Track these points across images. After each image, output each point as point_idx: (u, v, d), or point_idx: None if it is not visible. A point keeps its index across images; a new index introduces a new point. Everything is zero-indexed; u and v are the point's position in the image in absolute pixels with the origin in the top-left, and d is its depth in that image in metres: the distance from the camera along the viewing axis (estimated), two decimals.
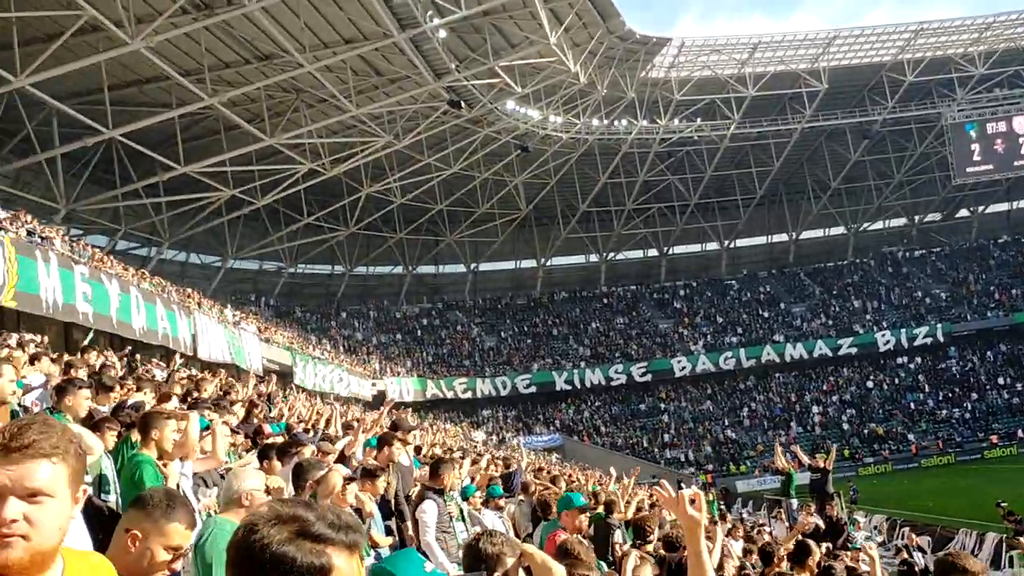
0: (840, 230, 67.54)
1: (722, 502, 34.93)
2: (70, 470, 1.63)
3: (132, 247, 46.03)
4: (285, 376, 33.48)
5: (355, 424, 9.41)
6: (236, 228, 50.08)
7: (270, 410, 10.51)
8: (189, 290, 30.98)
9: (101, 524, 3.50)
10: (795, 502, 16.84)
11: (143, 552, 2.43)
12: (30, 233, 20.71)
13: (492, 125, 48.78)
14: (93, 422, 5.29)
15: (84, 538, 3.64)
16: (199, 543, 3.65)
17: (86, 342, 12.23)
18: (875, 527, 25.34)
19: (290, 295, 56.04)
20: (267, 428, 7.78)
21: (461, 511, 8.01)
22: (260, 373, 25.43)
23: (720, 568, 8.43)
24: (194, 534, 2.78)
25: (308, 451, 5.60)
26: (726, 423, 55.26)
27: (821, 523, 15.12)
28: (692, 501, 2.70)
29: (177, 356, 11.62)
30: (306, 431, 9.35)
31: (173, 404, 7.27)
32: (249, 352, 31.01)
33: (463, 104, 43.18)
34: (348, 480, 5.23)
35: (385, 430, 8.93)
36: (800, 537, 9.04)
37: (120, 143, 35.91)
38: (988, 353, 57.83)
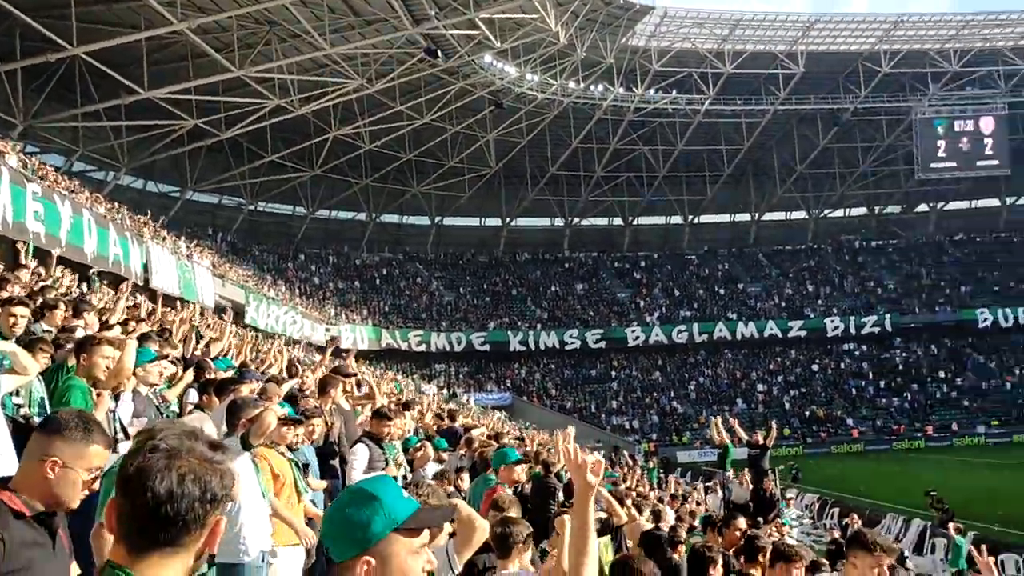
0: (802, 215, 68.27)
1: (662, 471, 35.62)
2: None
3: (89, 170, 44.89)
4: (237, 314, 33.14)
5: (296, 366, 9.36)
6: (197, 159, 49.11)
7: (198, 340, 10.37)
8: (143, 217, 30.35)
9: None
10: (730, 474, 17.19)
11: (64, 477, 2.37)
12: None
13: (467, 78, 48.24)
14: (27, 342, 5.17)
15: (11, 459, 3.58)
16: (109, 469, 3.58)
17: (26, 256, 11.95)
18: (806, 506, 26.05)
19: (248, 233, 55.22)
20: (211, 364, 7.69)
21: (401, 461, 8.04)
22: (211, 308, 25.17)
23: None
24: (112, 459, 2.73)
25: (246, 389, 5.54)
26: (673, 395, 56.08)
27: (748, 496, 15.50)
28: (589, 467, 2.62)
29: (126, 284, 11.40)
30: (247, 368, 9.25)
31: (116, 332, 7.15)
32: (201, 287, 30.59)
33: (440, 53, 42.59)
34: (286, 421, 5.20)
35: (328, 373, 8.88)
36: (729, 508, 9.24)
37: (84, 61, 34.81)
38: (932, 347, 59.22)
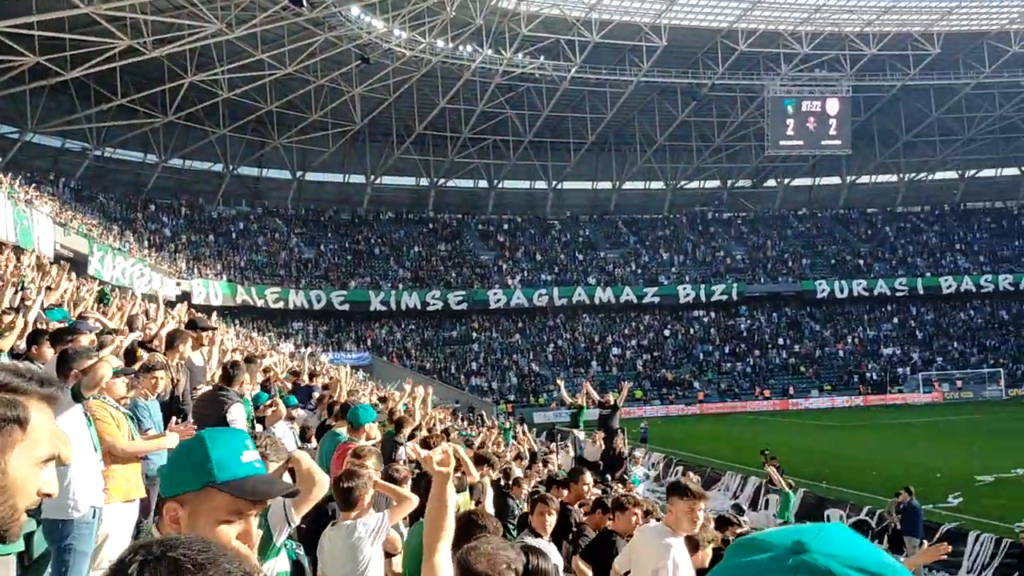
0: (660, 185, 70.46)
1: (516, 430, 36.32)
2: None
3: None
4: (80, 265, 31.38)
5: (139, 321, 9.03)
6: (39, 99, 45.79)
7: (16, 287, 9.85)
8: None
9: None
10: (582, 434, 17.82)
11: None
12: None
13: (334, 30, 46.96)
14: None
15: None
16: None
17: None
18: (652, 464, 27.32)
19: (94, 180, 52.05)
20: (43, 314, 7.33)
21: (250, 418, 7.92)
22: (50, 258, 23.75)
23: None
24: None
25: (85, 340, 5.33)
26: (531, 357, 57.21)
27: (599, 455, 16.14)
28: (439, 460, 2.82)
29: None
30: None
31: None
32: (39, 235, 28.77)
33: (304, 2, 41.23)
34: (121, 374, 5.05)
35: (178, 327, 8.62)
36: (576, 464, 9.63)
37: None
38: (774, 315, 62.78)
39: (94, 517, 4.48)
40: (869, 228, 69.70)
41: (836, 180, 72.35)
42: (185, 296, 38.96)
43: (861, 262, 65.32)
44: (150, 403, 6.28)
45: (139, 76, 46.37)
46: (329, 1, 42.62)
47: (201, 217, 57.58)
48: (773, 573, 0.84)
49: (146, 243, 47.93)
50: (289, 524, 3.47)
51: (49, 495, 1.48)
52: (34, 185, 37.19)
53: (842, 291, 62.14)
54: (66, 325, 6.58)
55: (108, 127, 50.62)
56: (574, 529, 6.98)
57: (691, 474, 20.17)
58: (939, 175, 72.02)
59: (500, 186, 67.62)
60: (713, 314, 62.25)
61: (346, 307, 55.37)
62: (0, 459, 1.40)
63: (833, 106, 63.05)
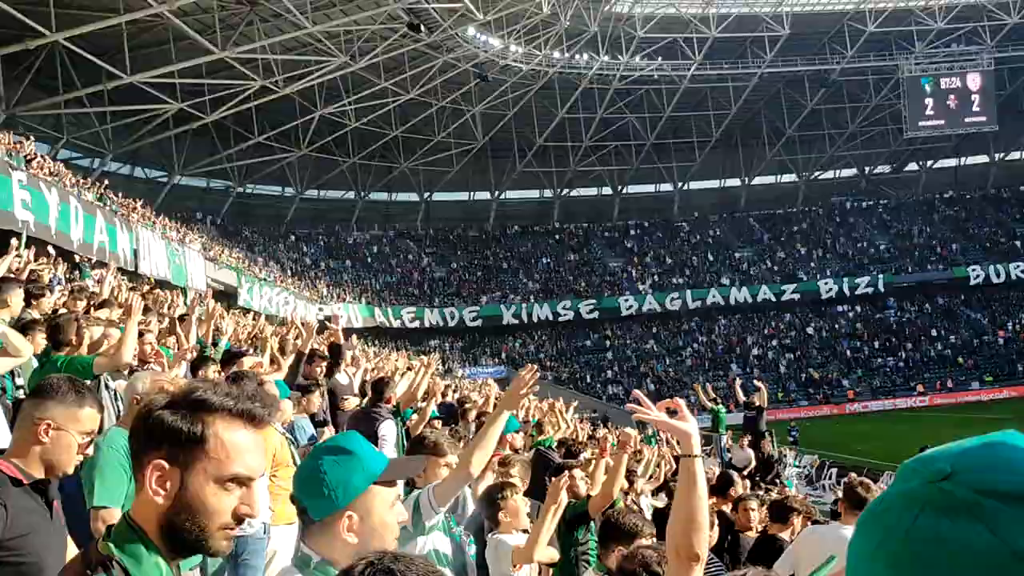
0: (792, 178, 68.19)
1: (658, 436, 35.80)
2: None
3: (75, 157, 44.57)
4: (229, 296, 33.09)
5: (294, 340, 9.35)
6: (184, 143, 48.77)
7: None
8: (132, 202, 30.16)
9: None
10: (724, 437, 17.32)
11: (59, 439, 2.38)
12: None
13: (451, 52, 47.89)
14: (21, 324, 5.16)
15: (7, 437, 3.58)
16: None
17: (20, 246, 11.83)
18: (805, 467, 26.26)
19: (238, 215, 54.99)
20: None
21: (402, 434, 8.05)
22: (202, 292, 25.08)
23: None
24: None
25: (249, 363, 5.54)
26: (668, 362, 56.30)
27: (750, 458, 15.63)
28: (674, 412, 2.48)
29: (112, 267, 11.38)
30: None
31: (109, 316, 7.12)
32: (192, 271, 30.48)
33: (422, 28, 42.24)
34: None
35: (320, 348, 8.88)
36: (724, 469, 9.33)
37: (64, 47, 34.51)
38: (926, 305, 59.48)
39: (265, 533, 4.63)
40: (1023, 207, 65.11)
41: (983, 158, 68.03)
42: (330, 320, 40.42)
43: (1018, 243, 61.01)
44: (304, 420, 6.47)
45: (273, 114, 48.63)
46: (445, 24, 43.48)
47: (338, 243, 59.78)
48: (902, 511, 0.68)
49: (288, 271, 50.12)
50: (435, 511, 3.51)
51: (247, 516, 1.45)
52: (184, 224, 39.48)
53: (998, 275, 58.13)
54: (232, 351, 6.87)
55: (247, 164, 53.34)
56: (728, 537, 6.74)
57: (862, 478, 19.20)
58: None
59: (624, 192, 67.09)
60: (859, 308, 59.52)
61: (479, 322, 56.11)
62: (180, 475, 1.41)
63: (975, 81, 59.43)
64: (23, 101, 37.35)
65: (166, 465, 1.41)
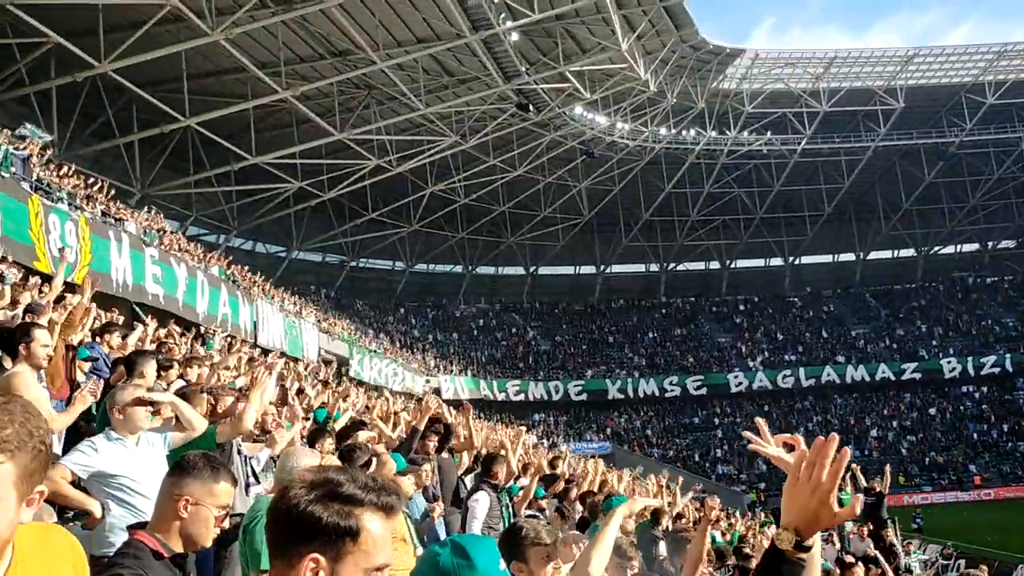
0: (910, 252, 65.88)
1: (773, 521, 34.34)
2: (19, 469, 1.36)
3: (202, 233, 47.14)
4: (341, 367, 33.95)
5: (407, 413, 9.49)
6: (302, 220, 50.98)
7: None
8: (254, 277, 31.59)
9: None
10: (848, 524, 16.47)
11: (197, 514, 2.52)
12: (104, 214, 21.39)
13: (559, 129, 48.81)
14: (182, 392, 5.38)
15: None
16: (248, 525, 3.68)
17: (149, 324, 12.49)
18: (930, 558, 24.66)
19: (351, 288, 56.77)
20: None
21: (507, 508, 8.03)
22: (314, 362, 25.83)
23: None
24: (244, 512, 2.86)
25: (364, 436, 5.68)
26: None
27: (868, 548, 14.81)
28: (791, 447, 2.13)
29: (217, 334, 11.95)
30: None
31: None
32: (307, 342, 31.50)
33: (531, 107, 43.30)
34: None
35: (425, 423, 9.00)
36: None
37: (196, 131, 36.88)
38: None
39: None
40: None
41: None
42: (435, 393, 40.87)
43: None
44: (417, 495, 6.52)
45: (386, 191, 50.39)
46: (553, 103, 44.44)
47: (445, 316, 60.79)
48: None
49: (398, 343, 51.14)
50: None
51: None
52: (300, 296, 40.96)
53: None
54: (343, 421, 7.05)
55: (360, 240, 55.21)
56: None
57: (983, 567, 17.92)
58: None
59: (733, 266, 66.10)
60: (985, 388, 56.29)
61: (584, 396, 55.65)
62: (331, 567, 1.47)
63: None
64: (157, 181, 39.93)
65: (322, 560, 1.44)
